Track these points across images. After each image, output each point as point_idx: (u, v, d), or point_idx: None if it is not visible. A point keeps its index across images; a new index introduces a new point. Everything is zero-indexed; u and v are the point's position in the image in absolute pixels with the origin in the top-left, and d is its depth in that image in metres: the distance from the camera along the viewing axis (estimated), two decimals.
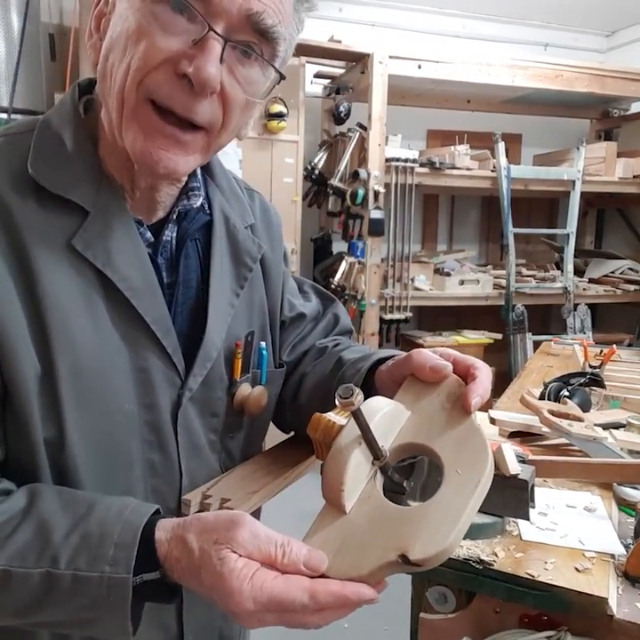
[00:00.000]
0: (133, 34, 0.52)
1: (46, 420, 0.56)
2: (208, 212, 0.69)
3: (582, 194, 3.59)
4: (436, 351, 0.59)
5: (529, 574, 0.77)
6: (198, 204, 0.67)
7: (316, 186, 3.60)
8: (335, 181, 3.43)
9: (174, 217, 0.65)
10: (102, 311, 0.58)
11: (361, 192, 3.18)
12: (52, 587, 0.49)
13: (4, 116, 3.05)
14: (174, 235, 0.65)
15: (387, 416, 0.55)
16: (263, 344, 0.72)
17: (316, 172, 3.58)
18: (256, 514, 0.93)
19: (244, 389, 0.70)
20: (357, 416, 0.50)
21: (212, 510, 0.66)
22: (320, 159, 3.63)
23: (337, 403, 0.49)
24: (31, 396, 0.55)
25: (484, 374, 0.56)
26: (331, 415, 0.55)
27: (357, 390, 0.48)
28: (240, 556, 0.47)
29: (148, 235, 0.63)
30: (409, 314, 3.43)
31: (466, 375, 0.57)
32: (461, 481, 0.51)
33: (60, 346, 0.56)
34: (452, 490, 0.50)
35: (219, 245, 0.68)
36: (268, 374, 0.73)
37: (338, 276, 3.41)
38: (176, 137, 0.55)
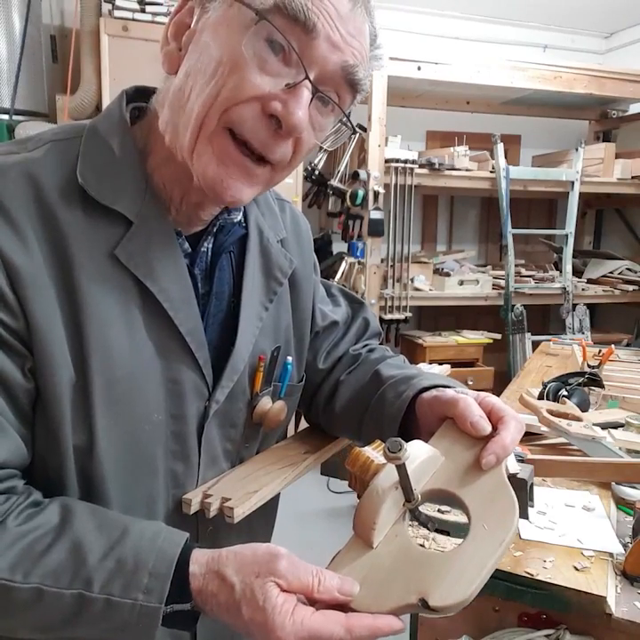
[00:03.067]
0: (227, 63, 0.51)
1: (77, 427, 0.56)
2: (244, 225, 0.69)
3: (581, 194, 3.60)
4: (477, 397, 0.60)
5: (528, 573, 0.77)
6: (238, 219, 0.68)
7: (316, 186, 3.60)
8: (335, 182, 3.44)
9: (214, 230, 0.65)
10: (139, 321, 0.59)
11: (361, 193, 3.19)
12: (83, 609, 0.50)
13: (6, 117, 3.05)
14: (211, 246, 0.66)
15: (424, 463, 0.56)
16: (290, 359, 0.72)
17: (316, 172, 3.59)
18: (265, 527, 0.91)
19: (265, 403, 0.71)
20: (400, 468, 0.52)
21: (212, 510, 0.67)
22: (320, 160, 3.63)
23: (384, 454, 0.51)
24: (64, 403, 0.55)
25: (509, 429, 0.57)
26: (369, 451, 0.58)
27: (405, 446, 0.50)
28: (281, 590, 0.49)
29: (186, 245, 0.64)
30: (408, 314, 3.44)
31: (495, 427, 0.58)
32: (487, 536, 0.52)
33: (97, 355, 0.56)
34: (476, 543, 0.52)
35: (252, 259, 0.68)
36: (288, 388, 0.73)
37: (338, 276, 3.41)
38: (248, 169, 0.56)
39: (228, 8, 0.52)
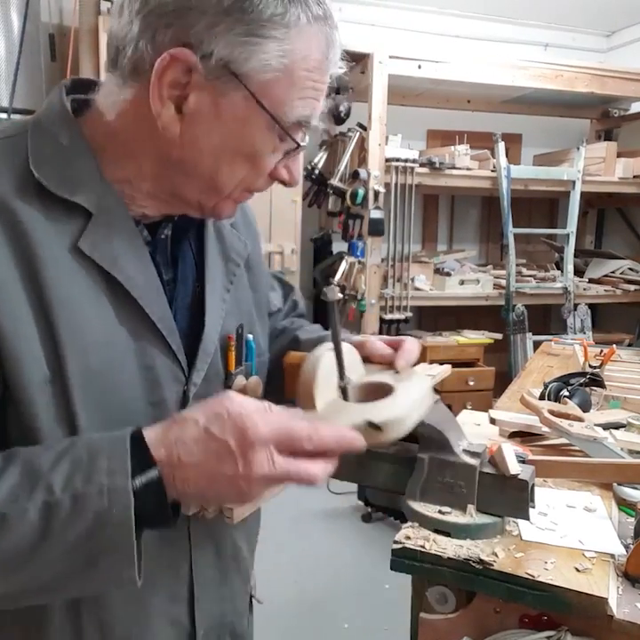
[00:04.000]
0: (254, 155, 0.60)
1: (60, 422, 0.56)
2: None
3: (582, 194, 3.59)
4: (374, 336, 0.75)
5: (529, 574, 0.77)
6: None
7: (316, 186, 3.59)
8: (335, 181, 3.43)
9: (176, 218, 0.67)
10: (110, 311, 0.59)
11: (361, 192, 3.18)
12: (52, 515, 0.48)
13: (4, 115, 3.05)
14: (170, 233, 0.67)
15: (349, 354, 0.68)
16: (251, 336, 0.74)
17: (316, 171, 3.58)
18: (256, 514, 0.98)
19: (240, 381, 0.72)
20: (331, 309, 0.62)
21: (211, 510, 0.66)
22: (320, 159, 3.63)
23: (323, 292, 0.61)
24: (39, 401, 0.55)
25: (407, 343, 0.73)
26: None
27: (336, 287, 0.62)
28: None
29: (146, 233, 0.65)
30: (409, 314, 3.43)
31: (398, 347, 0.73)
32: (411, 386, 0.68)
33: (71, 348, 0.56)
34: (403, 390, 0.67)
35: (211, 245, 0.71)
36: (258, 363, 0.76)
37: (338, 275, 3.41)
38: (247, 199, 0.67)
39: (244, 100, 0.56)
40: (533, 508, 0.86)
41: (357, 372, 0.70)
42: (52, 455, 0.51)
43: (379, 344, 0.73)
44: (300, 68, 0.57)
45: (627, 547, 0.85)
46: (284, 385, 0.76)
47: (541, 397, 1.41)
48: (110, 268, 0.59)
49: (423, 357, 3.18)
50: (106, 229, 0.59)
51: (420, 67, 3.22)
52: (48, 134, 0.59)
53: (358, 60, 3.26)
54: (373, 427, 0.59)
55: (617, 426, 1.30)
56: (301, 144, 0.62)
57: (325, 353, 0.65)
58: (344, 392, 0.66)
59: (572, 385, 1.44)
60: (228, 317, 0.71)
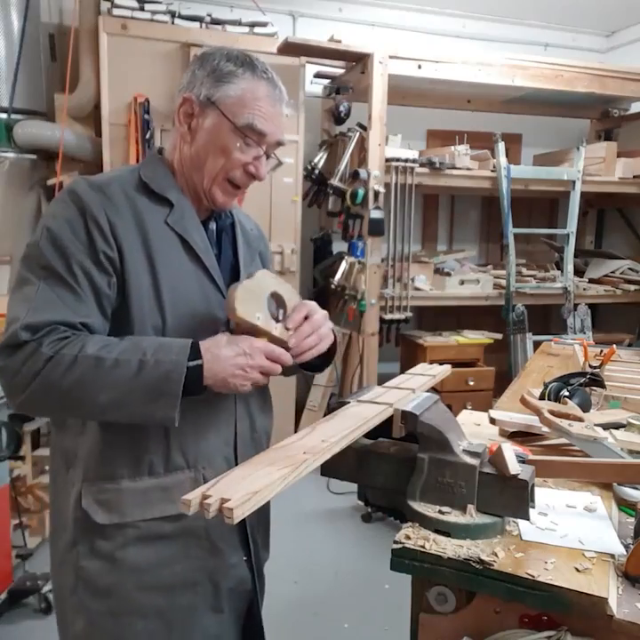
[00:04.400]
0: (224, 150, 0.99)
1: (154, 313, 0.95)
2: (231, 217, 1.13)
3: (582, 194, 3.59)
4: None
5: (529, 574, 0.77)
6: (229, 212, 1.12)
7: (316, 186, 3.59)
8: (335, 181, 3.43)
9: (214, 216, 1.08)
10: (183, 258, 1.00)
11: (361, 192, 3.18)
12: (142, 367, 0.87)
13: (4, 115, 3.05)
14: (214, 227, 1.09)
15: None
16: None
17: (316, 171, 3.58)
18: (265, 514, 1.18)
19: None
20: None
21: (211, 511, 0.67)
22: (320, 159, 3.63)
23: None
24: (146, 297, 0.95)
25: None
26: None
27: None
28: None
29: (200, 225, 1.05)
30: (409, 314, 3.43)
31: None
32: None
33: (162, 273, 0.96)
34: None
35: (240, 237, 1.12)
36: None
37: (338, 275, 3.41)
38: (234, 194, 1.05)
39: (218, 117, 0.98)
40: (533, 507, 0.86)
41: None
42: (147, 339, 0.92)
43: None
44: (248, 97, 0.98)
45: (627, 547, 0.85)
46: None
47: (541, 397, 1.41)
48: (184, 234, 1.00)
49: (423, 357, 3.20)
50: (180, 214, 1.00)
51: (420, 67, 3.22)
52: (151, 164, 1.05)
53: (358, 60, 3.26)
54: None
55: (617, 426, 1.30)
56: (262, 152, 1.01)
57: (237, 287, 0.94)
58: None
59: (572, 385, 1.44)
60: None
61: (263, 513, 1.15)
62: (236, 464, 1.00)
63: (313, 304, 1.03)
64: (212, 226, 1.08)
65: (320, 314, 1.02)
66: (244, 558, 1.08)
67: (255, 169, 1.01)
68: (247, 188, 1.05)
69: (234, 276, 1.07)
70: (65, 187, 0.97)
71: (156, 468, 0.97)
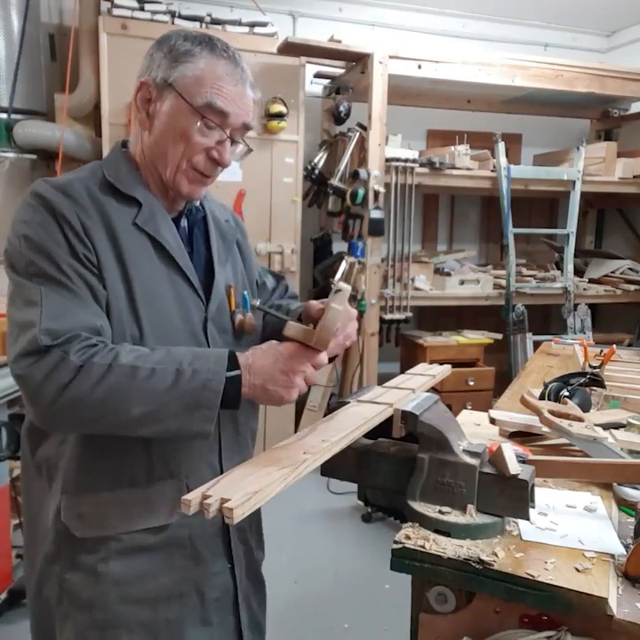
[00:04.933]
0: (184, 134, 0.93)
1: (131, 324, 0.90)
2: (202, 212, 1.07)
3: (582, 194, 3.59)
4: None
5: (529, 574, 0.77)
6: (198, 205, 1.08)
7: (316, 186, 3.59)
8: (335, 181, 3.43)
9: (186, 212, 1.04)
10: (156, 261, 0.94)
11: (361, 192, 3.18)
12: (179, 377, 0.83)
13: (4, 115, 3.05)
14: (186, 224, 1.04)
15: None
16: (246, 292, 1.08)
17: (316, 171, 3.58)
18: (256, 514, 1.02)
19: (239, 315, 1.06)
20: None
21: (211, 511, 0.67)
22: (320, 159, 3.63)
23: (335, 291, 0.91)
24: (122, 308, 0.90)
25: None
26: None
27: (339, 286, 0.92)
28: None
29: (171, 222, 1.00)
30: (409, 314, 3.43)
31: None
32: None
33: (135, 278, 0.91)
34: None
35: (213, 230, 1.07)
36: (250, 308, 1.08)
37: (338, 275, 3.40)
38: (201, 182, 0.98)
39: (175, 99, 0.92)
40: (533, 507, 0.86)
41: None
42: (181, 349, 0.88)
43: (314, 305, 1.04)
44: (206, 76, 0.92)
45: (627, 547, 0.85)
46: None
47: (541, 397, 1.41)
48: (155, 235, 0.94)
49: (423, 357, 3.20)
50: (150, 213, 0.95)
51: (420, 67, 3.22)
52: (114, 160, 0.99)
53: (358, 60, 3.26)
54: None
55: (617, 426, 1.30)
56: (225, 135, 0.94)
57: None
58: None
59: (572, 385, 1.44)
60: (229, 276, 1.07)
61: (254, 514, 1.13)
62: (222, 470, 0.99)
63: (352, 311, 1.02)
64: (184, 223, 1.03)
65: (353, 314, 1.02)
66: (228, 566, 1.05)
67: (218, 154, 0.94)
68: (214, 175, 0.98)
69: (208, 271, 1.02)
70: (27, 191, 0.91)
71: (137, 479, 0.93)
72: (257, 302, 0.98)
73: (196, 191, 0.98)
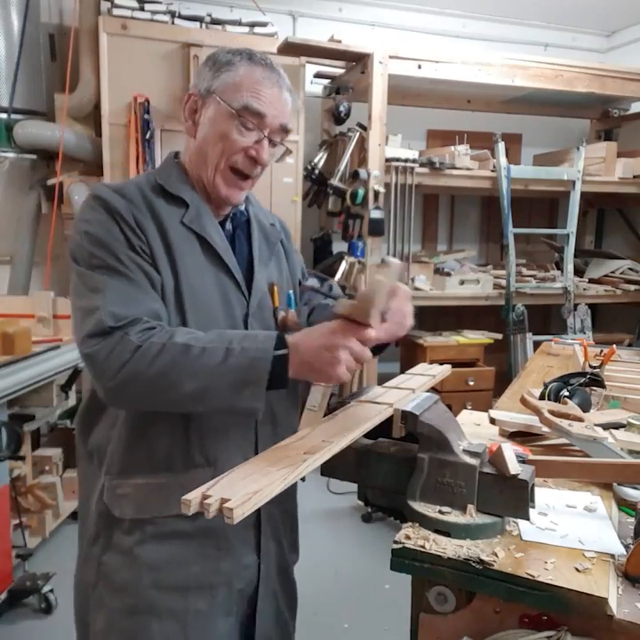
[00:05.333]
0: (223, 135, 1.00)
1: (176, 311, 0.96)
2: (246, 216, 1.13)
3: (582, 194, 3.59)
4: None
5: (529, 574, 0.77)
6: (242, 209, 1.14)
7: (316, 186, 3.59)
8: (335, 181, 3.43)
9: (230, 216, 1.10)
10: (202, 257, 1.01)
11: (361, 192, 3.18)
12: (229, 355, 0.86)
13: (4, 115, 3.05)
14: (230, 226, 1.10)
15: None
16: (291, 291, 1.15)
17: (316, 171, 3.58)
18: (292, 515, 1.22)
19: (282, 312, 1.11)
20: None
21: (211, 511, 0.67)
22: (320, 159, 3.63)
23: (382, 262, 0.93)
24: (170, 300, 0.96)
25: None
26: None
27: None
28: None
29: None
30: None
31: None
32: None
33: (182, 272, 0.97)
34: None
35: (256, 233, 1.13)
36: (297, 309, 1.15)
37: (338, 275, 3.40)
38: (240, 185, 1.04)
39: (217, 104, 1.00)
40: (533, 507, 0.86)
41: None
42: (232, 331, 0.94)
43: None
44: (245, 81, 0.99)
45: (627, 547, 0.85)
46: None
47: (541, 397, 1.41)
48: (201, 232, 1.01)
49: (423, 357, 3.19)
50: (196, 213, 1.02)
51: (420, 67, 3.22)
52: (165, 167, 1.08)
53: (358, 60, 3.26)
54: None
55: (617, 426, 1.30)
56: (262, 135, 1.00)
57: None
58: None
59: (572, 385, 1.44)
60: (272, 275, 1.12)
61: (288, 513, 1.16)
62: None
63: (404, 288, 1.00)
64: (228, 226, 1.09)
65: (406, 292, 1.00)
66: (257, 560, 1.08)
67: (256, 153, 1.00)
68: (254, 176, 1.04)
69: (249, 270, 1.07)
70: (88, 194, 1.01)
71: (175, 464, 0.98)
72: (308, 282, 1.05)
73: (235, 194, 1.04)
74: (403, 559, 0.82)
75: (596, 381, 1.52)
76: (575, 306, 3.64)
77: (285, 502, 1.14)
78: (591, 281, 3.94)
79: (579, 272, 3.97)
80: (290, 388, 1.02)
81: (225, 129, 0.99)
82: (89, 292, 0.92)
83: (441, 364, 1.28)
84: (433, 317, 4.09)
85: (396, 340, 1.02)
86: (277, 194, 3.34)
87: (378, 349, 1.04)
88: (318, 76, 3.61)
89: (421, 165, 3.32)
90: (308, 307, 1.23)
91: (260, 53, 1.02)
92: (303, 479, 0.98)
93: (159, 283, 0.95)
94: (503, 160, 3.39)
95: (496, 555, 0.80)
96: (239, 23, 3.26)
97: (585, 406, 1.38)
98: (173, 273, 0.96)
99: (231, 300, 1.02)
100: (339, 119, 3.52)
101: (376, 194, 3.19)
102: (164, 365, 0.85)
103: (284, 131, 1.03)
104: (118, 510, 0.98)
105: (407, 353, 3.72)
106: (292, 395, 1.12)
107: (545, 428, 1.23)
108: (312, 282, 1.27)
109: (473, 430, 1.34)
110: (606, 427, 1.26)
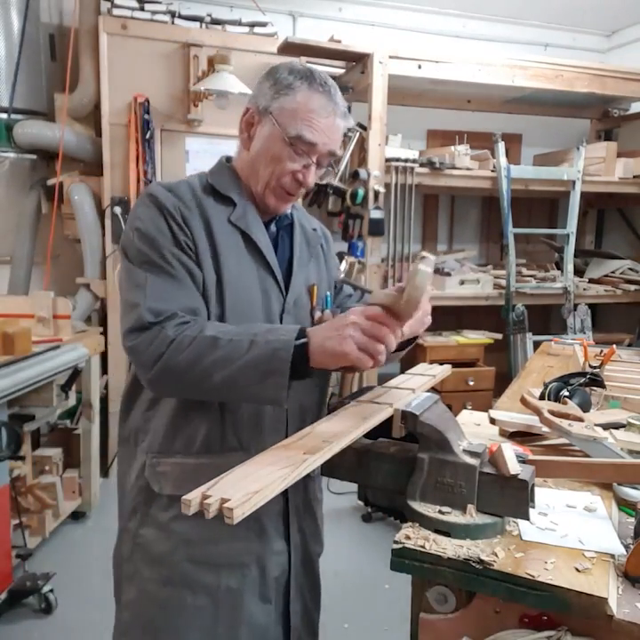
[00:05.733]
0: (275, 158, 1.05)
1: (216, 304, 1.02)
2: (290, 219, 1.18)
3: (582, 194, 3.59)
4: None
5: (529, 574, 0.77)
6: (288, 213, 1.19)
7: (316, 185, 3.59)
8: (335, 181, 3.43)
9: (276, 219, 1.15)
10: (245, 254, 1.07)
11: (361, 192, 3.18)
12: (253, 346, 0.91)
13: (5, 116, 3.05)
14: (275, 228, 1.15)
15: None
16: (328, 293, 1.20)
17: None
18: (310, 503, 1.19)
19: (318, 312, 1.15)
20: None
21: (211, 511, 0.67)
22: None
23: (421, 257, 0.87)
24: (211, 292, 1.02)
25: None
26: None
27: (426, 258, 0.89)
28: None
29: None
30: None
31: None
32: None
33: (224, 267, 1.03)
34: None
35: (298, 236, 1.18)
36: (331, 311, 1.20)
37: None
38: (287, 199, 1.11)
39: (273, 126, 1.05)
40: (533, 507, 0.86)
41: None
42: (259, 324, 1.01)
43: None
44: (301, 108, 1.03)
45: (627, 547, 0.85)
46: None
47: (541, 397, 1.41)
48: (246, 230, 1.07)
49: (423, 357, 3.20)
50: (243, 212, 1.08)
51: (420, 67, 3.22)
52: (219, 169, 1.14)
53: (358, 60, 3.26)
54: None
55: (617, 426, 1.30)
56: (311, 161, 1.06)
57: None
58: None
59: (572, 385, 1.44)
60: (311, 276, 1.17)
61: (307, 504, 1.17)
62: None
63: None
64: (273, 228, 1.15)
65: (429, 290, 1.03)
66: (287, 547, 1.12)
67: (303, 177, 1.07)
68: (298, 194, 1.11)
69: (288, 273, 1.13)
70: (143, 191, 1.08)
71: (212, 446, 1.04)
72: (341, 275, 1.08)
73: (281, 206, 1.11)
74: (403, 559, 0.82)
75: (596, 381, 1.52)
76: (575, 306, 3.64)
77: (309, 494, 1.19)
78: (591, 281, 3.94)
79: (579, 272, 3.97)
80: (318, 380, 1.13)
81: (277, 152, 1.05)
82: (134, 287, 0.99)
83: (441, 363, 1.28)
84: (433, 317, 4.05)
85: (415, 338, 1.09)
86: None
87: (403, 345, 1.09)
88: None
89: (421, 165, 3.32)
90: (341, 309, 1.26)
91: (320, 78, 1.05)
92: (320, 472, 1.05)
93: (200, 277, 1.01)
94: (503, 160, 3.39)
95: (496, 555, 0.80)
96: (239, 23, 3.26)
97: (585, 406, 1.38)
98: (216, 268, 1.02)
99: (270, 296, 1.07)
100: None
101: (376, 194, 3.20)
102: (194, 357, 0.92)
103: (332, 155, 1.09)
104: (157, 486, 1.05)
105: (407, 353, 3.72)
106: (320, 387, 1.17)
107: (545, 428, 1.23)
108: (345, 288, 1.32)
109: (473, 430, 1.34)
110: (606, 427, 1.26)
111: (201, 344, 0.92)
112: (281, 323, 1.08)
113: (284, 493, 1.02)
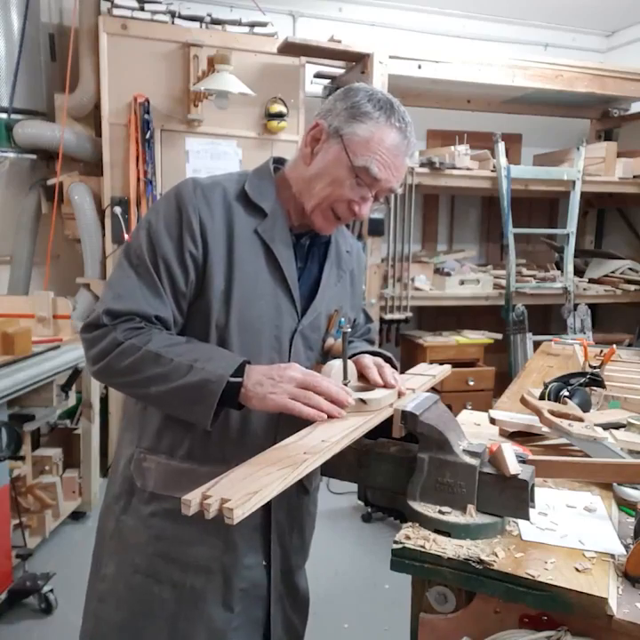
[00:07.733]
0: (335, 182, 1.02)
1: (220, 314, 1.01)
2: (327, 237, 1.14)
3: (582, 194, 3.59)
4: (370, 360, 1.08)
5: (529, 574, 0.77)
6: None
7: None
8: None
9: (311, 234, 1.11)
10: (263, 267, 1.04)
11: None
12: (190, 372, 0.92)
13: (5, 115, 3.05)
14: (308, 242, 1.12)
15: (351, 367, 1.04)
16: (343, 319, 1.13)
17: None
18: (300, 520, 1.21)
19: (331, 339, 1.13)
20: (344, 338, 0.99)
21: (211, 511, 0.67)
22: None
23: (340, 327, 0.99)
24: (216, 298, 1.01)
25: (388, 369, 1.06)
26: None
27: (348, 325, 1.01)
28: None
29: (292, 236, 1.09)
30: (409, 314, 3.43)
31: (381, 373, 1.05)
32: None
33: (237, 278, 1.02)
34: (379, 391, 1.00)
35: (331, 256, 1.15)
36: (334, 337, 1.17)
37: None
38: (334, 224, 1.08)
39: (340, 151, 1.01)
40: (533, 507, 0.86)
41: (353, 378, 1.04)
42: (207, 347, 0.99)
43: (366, 360, 1.07)
44: (374, 141, 1.00)
45: (627, 547, 0.85)
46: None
47: (541, 397, 1.41)
48: (269, 243, 1.04)
49: (423, 357, 3.20)
50: (272, 224, 1.05)
51: (420, 67, 3.22)
52: (258, 175, 1.10)
53: (358, 60, 3.26)
54: (361, 401, 0.95)
55: (617, 426, 1.30)
56: (370, 195, 1.04)
57: (335, 364, 1.01)
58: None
59: (572, 385, 1.44)
60: (333, 300, 1.14)
61: (295, 518, 1.16)
62: None
63: (369, 359, 1.06)
64: (305, 241, 1.11)
65: (386, 366, 1.06)
66: (263, 563, 1.10)
67: (358, 208, 1.04)
68: (347, 221, 1.09)
69: (312, 291, 1.11)
70: (181, 182, 1.05)
71: (195, 455, 1.05)
72: (348, 328, 1.02)
73: (328, 229, 1.09)
74: (403, 559, 0.82)
75: (596, 381, 1.52)
76: (575, 306, 3.64)
77: (301, 509, 1.19)
78: (591, 281, 3.94)
79: (579, 272, 3.97)
80: None
81: (339, 177, 1.01)
82: (110, 284, 1.02)
83: (441, 363, 1.28)
84: (433, 317, 4.09)
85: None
86: None
87: None
88: (318, 76, 3.61)
89: (421, 165, 3.32)
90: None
91: (399, 113, 1.03)
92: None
93: (186, 290, 1.00)
94: (503, 160, 3.39)
95: (496, 555, 0.80)
96: (239, 23, 3.25)
97: (585, 406, 1.38)
98: (227, 277, 1.01)
99: (282, 313, 1.05)
100: None
101: None
102: (134, 367, 0.94)
103: (391, 191, 1.06)
104: (140, 481, 1.07)
105: (407, 353, 3.73)
106: None
107: (545, 428, 1.23)
108: (359, 318, 1.30)
109: (473, 430, 1.34)
110: (606, 427, 1.26)
111: (144, 357, 0.94)
112: (291, 344, 1.06)
113: (266, 508, 1.04)
